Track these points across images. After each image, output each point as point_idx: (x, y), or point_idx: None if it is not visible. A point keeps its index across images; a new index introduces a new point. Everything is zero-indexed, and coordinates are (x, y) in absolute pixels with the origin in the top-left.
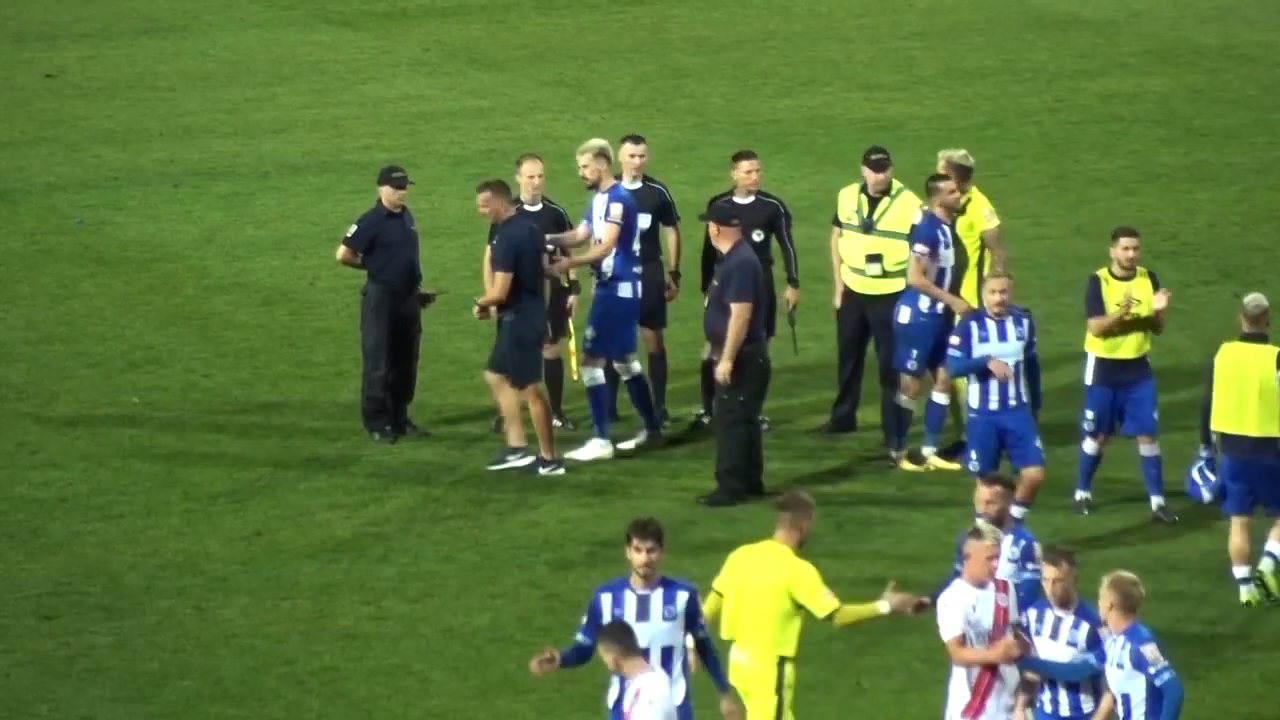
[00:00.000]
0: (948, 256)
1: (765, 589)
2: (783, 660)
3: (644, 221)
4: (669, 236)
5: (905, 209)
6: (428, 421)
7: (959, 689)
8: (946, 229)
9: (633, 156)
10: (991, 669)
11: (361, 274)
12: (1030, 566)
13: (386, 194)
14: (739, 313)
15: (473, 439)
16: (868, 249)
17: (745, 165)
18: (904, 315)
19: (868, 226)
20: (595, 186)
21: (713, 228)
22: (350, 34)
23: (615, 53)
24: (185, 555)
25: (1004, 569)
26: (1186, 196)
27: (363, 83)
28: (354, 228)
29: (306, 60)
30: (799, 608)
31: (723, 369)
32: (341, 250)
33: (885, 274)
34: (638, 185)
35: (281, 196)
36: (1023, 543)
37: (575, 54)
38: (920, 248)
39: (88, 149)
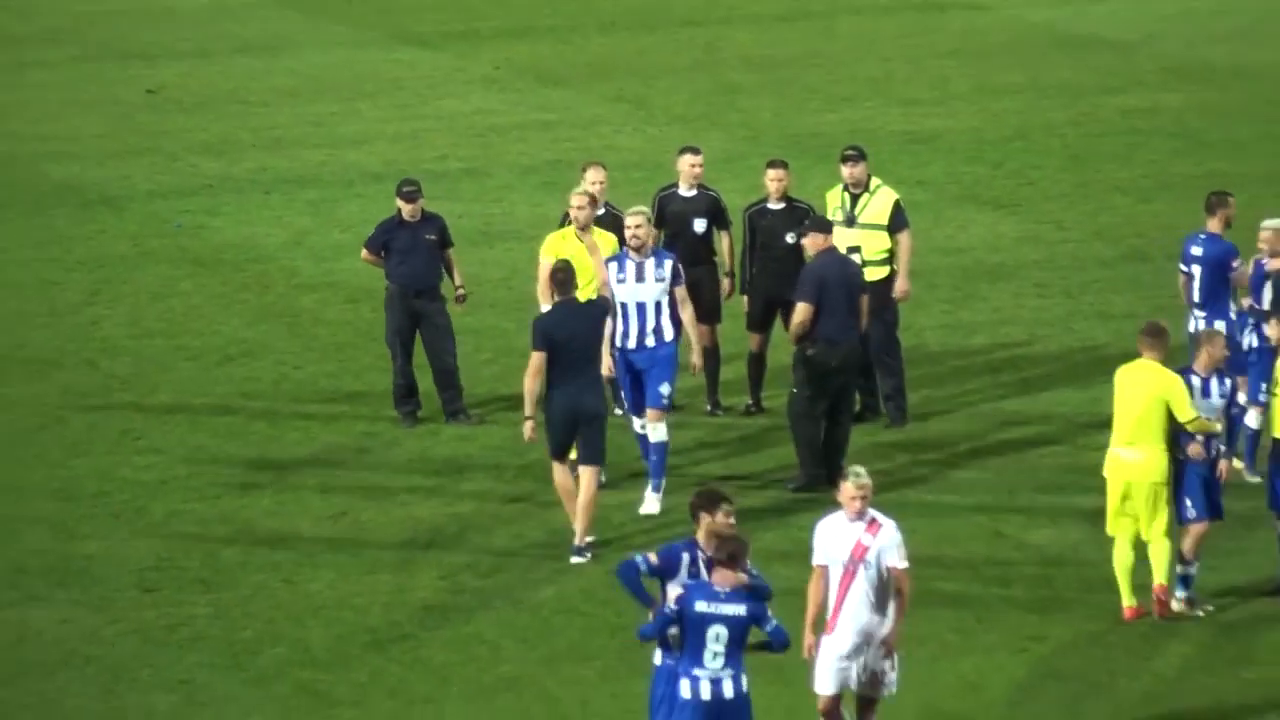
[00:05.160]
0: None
1: (1147, 396)
2: (1164, 453)
3: (699, 226)
4: (723, 240)
5: (883, 203)
6: (497, 411)
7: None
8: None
9: (693, 166)
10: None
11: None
12: None
13: (399, 205)
14: (796, 311)
15: None
16: (849, 241)
17: (772, 174)
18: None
19: (850, 220)
20: (640, 249)
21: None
22: (427, 53)
23: (673, 70)
24: (277, 533)
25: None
26: (1199, 204)
27: (439, 98)
28: (372, 232)
29: (387, 77)
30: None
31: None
32: (363, 251)
33: (864, 264)
34: (694, 192)
35: (364, 203)
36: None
37: (636, 71)
38: (1234, 262)
39: (186, 159)
